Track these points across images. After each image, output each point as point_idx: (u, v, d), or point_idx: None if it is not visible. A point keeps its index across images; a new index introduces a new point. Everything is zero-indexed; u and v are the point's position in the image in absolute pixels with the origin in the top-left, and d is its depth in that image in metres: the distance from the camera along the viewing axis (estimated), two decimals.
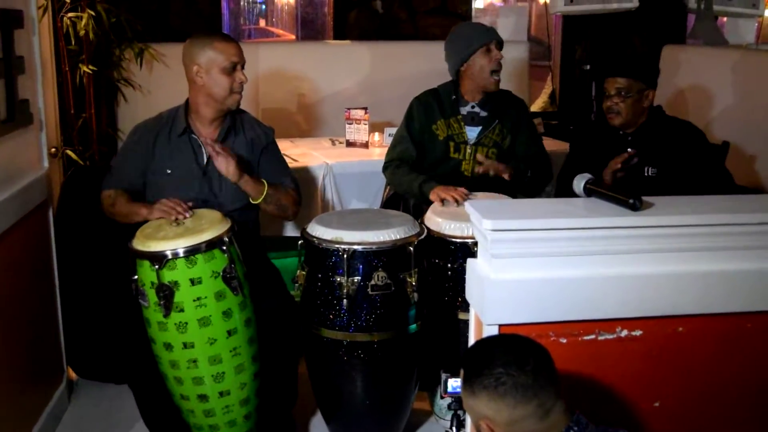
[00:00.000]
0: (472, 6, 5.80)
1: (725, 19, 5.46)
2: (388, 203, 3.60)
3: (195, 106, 2.89)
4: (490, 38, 3.24)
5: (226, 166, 2.75)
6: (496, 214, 1.94)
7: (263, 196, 2.85)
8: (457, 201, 2.99)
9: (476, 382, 1.64)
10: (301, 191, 3.10)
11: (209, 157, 2.83)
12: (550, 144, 4.29)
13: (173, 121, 2.90)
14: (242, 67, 2.86)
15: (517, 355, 1.63)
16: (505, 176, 3.12)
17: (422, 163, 3.32)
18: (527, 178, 3.25)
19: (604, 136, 3.23)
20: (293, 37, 10.45)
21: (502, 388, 1.60)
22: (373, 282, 2.65)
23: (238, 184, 2.80)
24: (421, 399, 3.11)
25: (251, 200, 2.86)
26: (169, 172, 2.82)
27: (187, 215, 2.63)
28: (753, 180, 3.72)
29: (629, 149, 3.10)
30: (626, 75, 3.07)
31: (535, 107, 6.02)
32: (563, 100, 6.10)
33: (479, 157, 3.09)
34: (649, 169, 3.11)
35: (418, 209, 3.28)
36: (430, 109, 3.33)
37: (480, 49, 3.23)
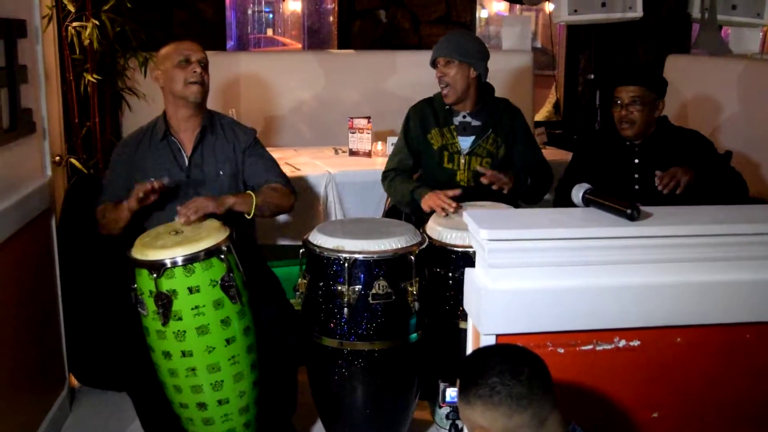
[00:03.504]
0: (477, 15, 5.81)
1: (730, 29, 5.45)
2: (390, 212, 3.59)
3: (168, 111, 2.98)
4: None
5: (208, 207, 2.73)
6: (494, 223, 1.94)
7: (254, 209, 2.87)
8: (445, 211, 2.98)
9: (471, 392, 1.63)
10: (304, 200, 3.09)
11: (191, 160, 2.91)
12: (554, 153, 4.29)
13: (153, 129, 2.98)
14: (201, 65, 2.90)
15: (512, 365, 1.63)
16: (504, 190, 3.10)
17: (419, 172, 3.31)
18: (526, 186, 3.23)
19: (610, 147, 3.21)
20: (300, 46, 10.47)
21: (497, 397, 1.60)
22: (374, 291, 2.65)
23: (231, 209, 2.81)
24: (422, 408, 3.10)
25: (246, 216, 2.87)
26: (153, 179, 2.83)
27: (163, 182, 2.75)
28: (757, 189, 3.70)
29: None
30: (640, 83, 3.06)
31: (539, 116, 6.01)
32: (567, 110, 6.10)
33: (480, 168, 3.07)
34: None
35: (419, 218, 3.28)
36: (425, 118, 3.34)
37: None
